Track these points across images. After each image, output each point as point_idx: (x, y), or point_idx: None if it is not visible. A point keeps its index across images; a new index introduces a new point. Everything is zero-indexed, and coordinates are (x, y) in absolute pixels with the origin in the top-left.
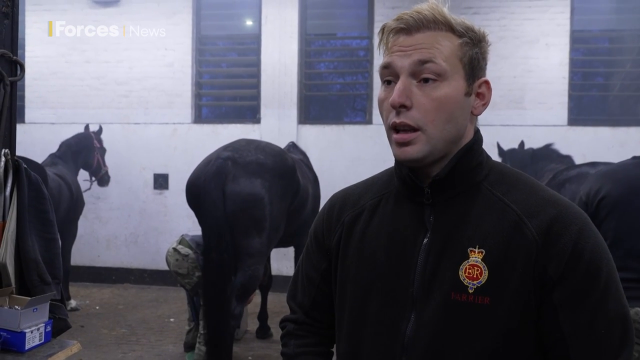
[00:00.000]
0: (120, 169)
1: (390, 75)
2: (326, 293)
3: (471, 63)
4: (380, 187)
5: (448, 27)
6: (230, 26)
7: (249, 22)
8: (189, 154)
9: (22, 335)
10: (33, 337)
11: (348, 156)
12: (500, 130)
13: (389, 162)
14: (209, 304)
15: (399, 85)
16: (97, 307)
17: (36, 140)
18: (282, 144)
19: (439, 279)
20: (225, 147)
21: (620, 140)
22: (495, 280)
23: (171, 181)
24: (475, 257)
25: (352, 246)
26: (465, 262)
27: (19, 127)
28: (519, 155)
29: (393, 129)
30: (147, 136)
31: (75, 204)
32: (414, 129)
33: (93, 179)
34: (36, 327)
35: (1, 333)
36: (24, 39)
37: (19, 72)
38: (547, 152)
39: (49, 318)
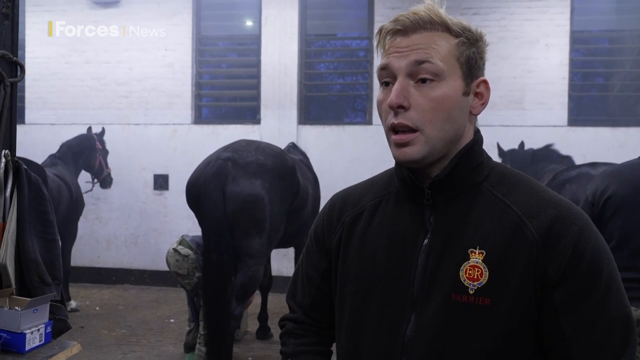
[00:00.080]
0: (120, 170)
1: (387, 77)
2: (326, 293)
3: (468, 63)
4: (381, 187)
5: (444, 27)
6: (230, 27)
7: (249, 23)
8: (189, 154)
9: (22, 336)
10: (33, 338)
11: (348, 157)
12: (500, 131)
13: (389, 163)
14: (209, 304)
15: (396, 86)
16: (97, 308)
17: (36, 141)
18: (282, 145)
19: (439, 279)
20: (225, 148)
21: (620, 140)
22: (495, 281)
23: (171, 182)
24: (476, 258)
25: (352, 246)
26: (466, 263)
27: (19, 128)
28: (519, 156)
29: (392, 130)
30: (147, 137)
31: (75, 205)
32: (412, 130)
33: (95, 180)
34: (36, 328)
35: (1, 334)
36: (24, 40)
37: (19, 73)
38: (547, 153)
39: (49, 319)
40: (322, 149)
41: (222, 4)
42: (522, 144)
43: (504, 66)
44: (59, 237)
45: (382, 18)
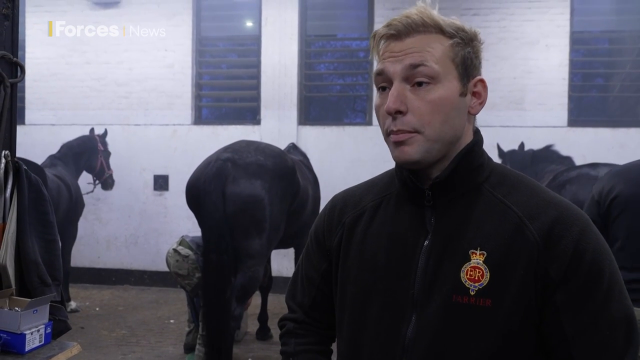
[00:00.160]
0: (121, 170)
1: (384, 82)
2: (326, 294)
3: (464, 63)
4: (381, 188)
5: (438, 29)
6: (231, 27)
7: (249, 24)
8: (189, 155)
9: (22, 336)
10: (33, 339)
11: (348, 157)
12: (500, 132)
13: (389, 163)
14: (209, 305)
15: (392, 91)
16: (97, 309)
17: (36, 141)
18: (282, 145)
19: (440, 281)
20: (225, 149)
21: (621, 141)
22: (496, 282)
23: (171, 182)
24: (477, 259)
25: (352, 247)
26: (467, 264)
27: (19, 129)
28: (519, 157)
29: (390, 135)
30: (147, 137)
31: (74, 205)
32: (410, 132)
33: (96, 181)
34: (36, 329)
35: (1, 335)
36: (24, 41)
37: (19, 73)
38: (547, 154)
39: (49, 319)
40: (322, 150)
41: (222, 5)
42: (522, 145)
43: (503, 67)
44: (59, 238)
45: (382, 19)
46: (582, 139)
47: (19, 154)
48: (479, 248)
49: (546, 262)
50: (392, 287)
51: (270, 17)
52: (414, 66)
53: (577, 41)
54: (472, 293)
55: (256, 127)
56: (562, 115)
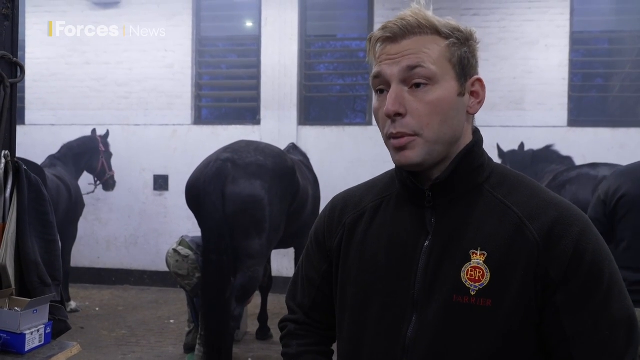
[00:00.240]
0: (120, 171)
1: (381, 85)
2: (326, 294)
3: (461, 63)
4: (382, 189)
5: (433, 30)
6: (230, 28)
7: (249, 24)
8: (189, 155)
9: (22, 336)
10: (33, 339)
11: (348, 157)
12: (500, 132)
13: (389, 164)
14: (209, 305)
15: (391, 94)
16: (97, 309)
17: (36, 141)
18: (282, 146)
19: (441, 281)
20: (225, 149)
21: (620, 141)
22: (497, 283)
23: (171, 182)
24: (477, 259)
25: (353, 248)
26: (467, 264)
27: (19, 129)
28: (519, 157)
29: (390, 138)
30: (147, 137)
31: (74, 206)
32: (411, 135)
33: (97, 182)
34: (36, 329)
35: (1, 335)
36: (24, 41)
37: (19, 73)
38: (547, 154)
39: (49, 319)
40: (322, 150)
41: (222, 5)
42: (522, 145)
43: (503, 67)
44: (58, 238)
45: (382, 19)
46: (582, 139)
47: (19, 154)
48: (479, 248)
49: (546, 263)
50: (392, 287)
51: (270, 17)
52: (411, 68)
53: (577, 41)
54: (472, 293)
55: (256, 127)
56: (562, 115)
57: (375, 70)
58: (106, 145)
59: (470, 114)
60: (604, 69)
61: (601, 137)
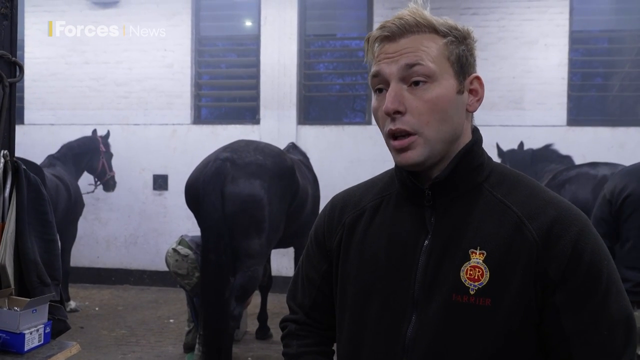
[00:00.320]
0: (120, 170)
1: (380, 84)
2: (326, 294)
3: (459, 61)
4: (381, 188)
5: (431, 28)
6: (230, 27)
7: (249, 23)
8: (189, 154)
9: (22, 336)
10: (32, 339)
11: (347, 157)
12: (500, 131)
13: (389, 163)
14: (208, 305)
15: (390, 92)
16: (97, 308)
17: (35, 141)
18: (282, 145)
19: (440, 280)
20: (225, 148)
21: (620, 140)
22: (496, 282)
23: (171, 182)
24: (477, 259)
25: (353, 247)
26: (467, 263)
27: (18, 129)
28: (519, 156)
29: (391, 136)
30: (146, 137)
31: (74, 205)
32: (410, 134)
33: (98, 182)
34: (35, 328)
35: (0, 334)
36: (23, 40)
37: (18, 73)
38: (547, 153)
39: (48, 319)
40: (321, 149)
41: (221, 5)
42: (521, 144)
43: (503, 66)
44: (58, 238)
45: (382, 18)
46: (582, 138)
47: (18, 153)
48: (478, 247)
49: (545, 262)
50: (392, 286)
51: (269, 16)
52: (410, 66)
53: (577, 40)
54: (471, 292)
55: (255, 126)
56: (562, 114)
57: (373, 69)
58: (107, 145)
59: (470, 112)
60: (603, 68)
61: (601, 136)
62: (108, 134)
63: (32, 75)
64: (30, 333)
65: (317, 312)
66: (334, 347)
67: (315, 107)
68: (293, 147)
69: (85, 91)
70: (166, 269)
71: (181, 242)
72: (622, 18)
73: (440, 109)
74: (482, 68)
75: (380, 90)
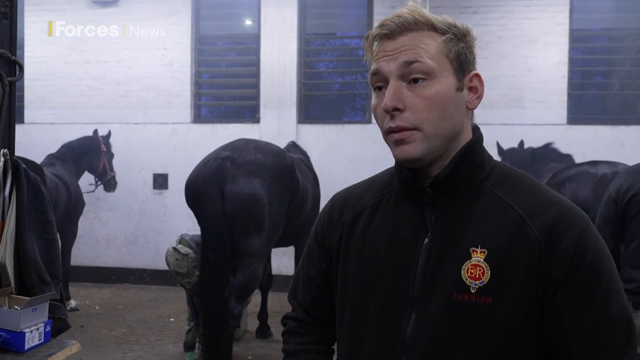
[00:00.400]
0: (120, 169)
1: (380, 81)
2: (326, 292)
3: (458, 58)
4: (381, 186)
5: (430, 26)
6: (230, 26)
7: (248, 22)
8: (189, 153)
9: (22, 335)
10: (32, 337)
11: (348, 156)
12: (500, 130)
13: (389, 162)
14: (207, 304)
15: (389, 89)
16: (97, 307)
17: (35, 140)
18: (282, 144)
19: (441, 279)
20: (224, 147)
21: (620, 139)
22: (497, 280)
23: (171, 181)
24: (478, 257)
25: (352, 246)
26: (468, 261)
27: (18, 128)
28: (519, 155)
29: (390, 133)
30: (146, 136)
31: (74, 205)
32: (410, 129)
33: (98, 182)
34: (36, 327)
35: (1, 333)
36: (23, 39)
37: (17, 72)
38: (547, 151)
39: (49, 318)
40: (321, 148)
41: (221, 3)
42: (521, 143)
43: (503, 65)
44: (58, 237)
45: (381, 17)
46: (582, 136)
47: (18, 152)
48: (479, 246)
49: (547, 262)
50: (392, 285)
51: (269, 15)
52: (409, 63)
53: (577, 39)
54: (472, 291)
55: (255, 125)
56: (562, 113)
57: (373, 67)
58: (108, 145)
59: (470, 109)
60: (603, 66)
61: (601, 135)
62: (109, 134)
63: (32, 74)
64: (31, 332)
65: (317, 310)
66: (334, 346)
67: (315, 106)
68: (293, 146)
69: (85, 90)
70: (166, 267)
71: (181, 241)
72: (622, 16)
73: (439, 106)
74: (482, 67)
75: (379, 88)
